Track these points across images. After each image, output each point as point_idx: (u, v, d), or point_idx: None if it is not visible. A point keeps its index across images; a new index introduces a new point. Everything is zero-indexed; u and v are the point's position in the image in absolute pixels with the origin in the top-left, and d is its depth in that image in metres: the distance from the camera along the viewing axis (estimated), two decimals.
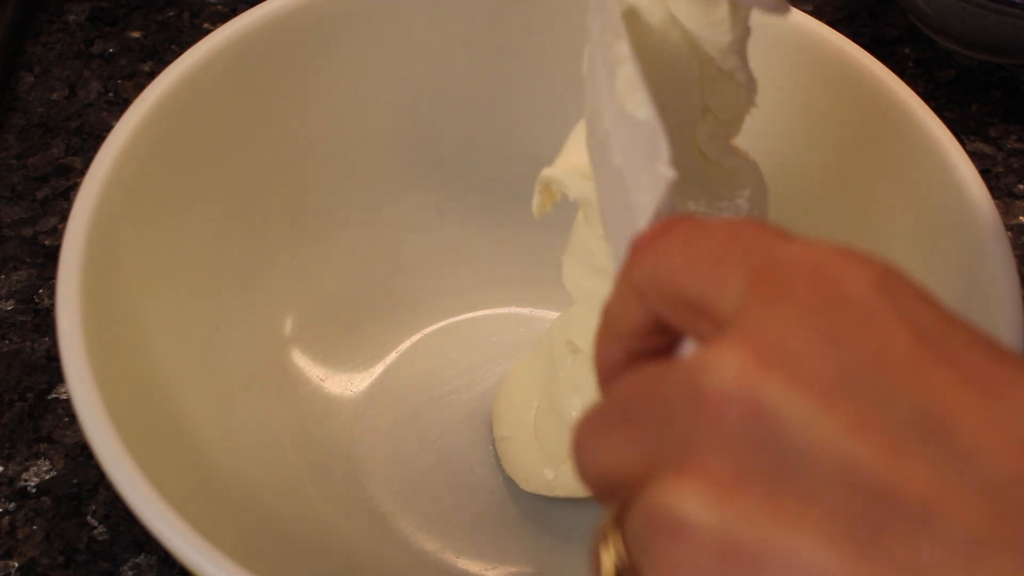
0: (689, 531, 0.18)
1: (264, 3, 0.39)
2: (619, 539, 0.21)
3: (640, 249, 0.23)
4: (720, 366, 0.19)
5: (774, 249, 0.21)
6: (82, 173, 0.33)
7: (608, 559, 0.21)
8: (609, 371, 0.23)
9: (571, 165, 0.35)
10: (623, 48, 0.26)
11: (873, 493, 0.18)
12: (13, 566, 0.37)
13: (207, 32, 0.38)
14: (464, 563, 0.38)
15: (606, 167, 0.27)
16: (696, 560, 0.18)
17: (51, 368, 0.42)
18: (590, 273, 0.35)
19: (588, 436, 0.22)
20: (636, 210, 0.24)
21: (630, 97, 0.25)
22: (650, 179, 0.24)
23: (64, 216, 0.46)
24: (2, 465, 0.40)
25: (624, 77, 0.26)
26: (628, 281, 0.23)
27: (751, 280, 0.20)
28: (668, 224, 0.23)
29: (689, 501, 0.19)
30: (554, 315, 0.43)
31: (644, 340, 0.22)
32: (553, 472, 0.39)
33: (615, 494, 0.21)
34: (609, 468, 0.21)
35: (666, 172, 0.23)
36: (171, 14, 0.55)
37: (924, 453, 0.18)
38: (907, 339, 0.19)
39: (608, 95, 0.26)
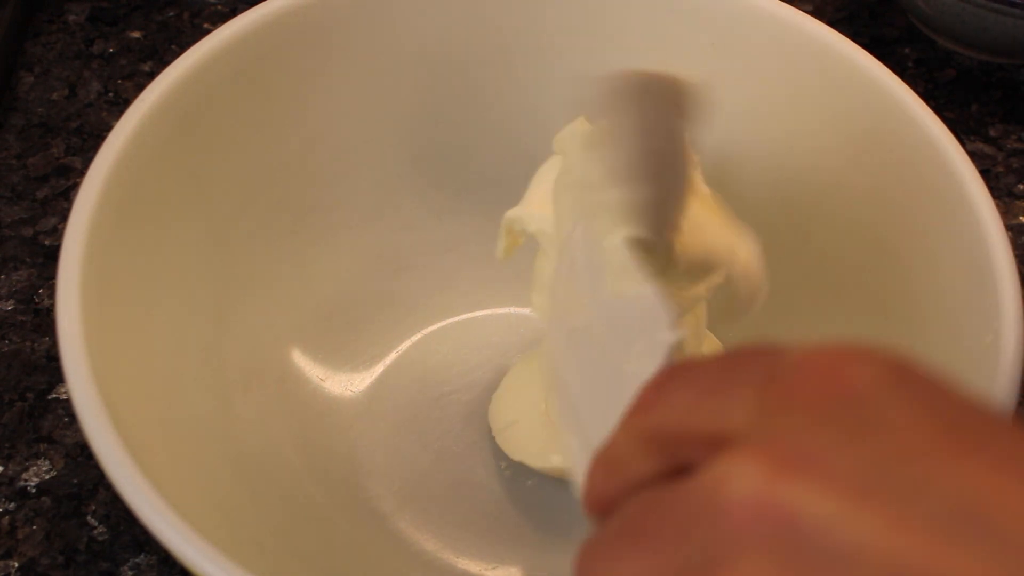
0: None
1: (264, 3, 0.39)
2: None
3: (646, 401, 0.22)
4: (740, 476, 0.18)
5: (776, 361, 0.20)
6: (82, 173, 0.33)
7: None
8: (604, 504, 0.23)
9: (535, 205, 0.36)
10: (614, 240, 0.27)
11: None
12: (13, 566, 0.37)
13: (207, 32, 0.38)
14: (464, 563, 0.38)
15: (585, 359, 0.28)
16: None
17: (51, 368, 0.42)
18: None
19: (593, 563, 0.21)
20: (630, 379, 0.24)
21: (625, 280, 0.26)
22: (649, 345, 0.24)
23: (64, 216, 0.46)
24: (2, 465, 0.40)
25: (616, 264, 0.27)
26: (634, 432, 0.22)
27: (758, 396, 0.20)
28: (669, 372, 0.23)
29: None
30: None
31: (649, 482, 0.22)
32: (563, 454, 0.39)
33: None
34: None
35: (670, 336, 0.24)
36: (171, 14, 0.55)
37: (970, 543, 0.17)
38: (930, 430, 0.18)
39: (591, 289, 0.27)
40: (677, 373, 0.22)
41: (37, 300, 0.44)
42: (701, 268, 0.33)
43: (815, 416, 0.19)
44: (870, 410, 0.19)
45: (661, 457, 0.21)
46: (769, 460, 0.18)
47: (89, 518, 0.38)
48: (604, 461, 0.23)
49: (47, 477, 0.39)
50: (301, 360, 0.42)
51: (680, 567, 0.19)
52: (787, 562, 0.17)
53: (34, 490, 0.39)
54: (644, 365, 0.24)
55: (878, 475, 0.18)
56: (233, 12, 0.53)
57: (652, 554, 0.20)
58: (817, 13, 0.57)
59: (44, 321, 0.44)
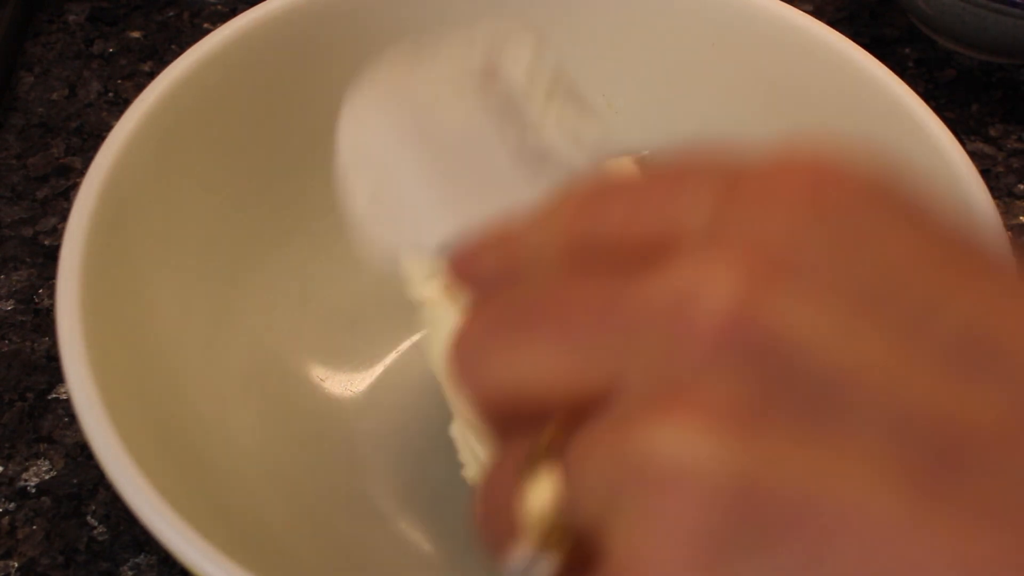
0: (697, 481, 0.14)
1: (264, 3, 0.39)
2: (557, 483, 0.16)
3: (573, 206, 0.17)
4: (713, 281, 0.15)
5: (743, 163, 0.16)
6: (82, 173, 0.33)
7: (538, 511, 0.16)
8: (481, 274, 0.18)
9: None
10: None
11: (932, 424, 0.14)
12: (13, 566, 0.37)
13: (207, 32, 0.38)
14: (464, 564, 0.38)
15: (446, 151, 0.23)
16: (708, 519, 0.14)
17: (51, 368, 0.42)
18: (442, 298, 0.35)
19: (489, 336, 0.17)
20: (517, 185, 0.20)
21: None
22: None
23: (64, 216, 0.46)
24: (2, 465, 0.40)
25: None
26: (554, 228, 0.17)
27: (724, 192, 0.16)
28: (600, 184, 0.18)
29: (694, 441, 0.14)
30: None
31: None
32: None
33: (523, 418, 0.16)
34: (524, 379, 0.16)
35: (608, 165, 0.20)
36: (171, 14, 0.55)
37: (982, 375, 0.14)
38: (933, 246, 0.15)
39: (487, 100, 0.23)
40: (613, 184, 0.18)
41: (37, 300, 0.44)
42: None
43: (801, 215, 0.15)
44: (866, 217, 0.15)
45: (584, 266, 0.17)
46: (749, 263, 0.15)
47: (89, 518, 0.38)
48: (502, 236, 0.18)
49: (47, 477, 0.39)
50: (301, 360, 0.42)
51: (617, 368, 0.15)
52: (768, 389, 0.14)
53: (34, 490, 0.39)
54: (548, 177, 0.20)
55: (877, 291, 0.15)
56: (233, 12, 0.53)
57: (575, 343, 0.16)
58: (817, 13, 0.57)
59: (44, 321, 0.44)
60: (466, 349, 0.17)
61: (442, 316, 0.35)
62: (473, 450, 0.36)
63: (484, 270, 0.18)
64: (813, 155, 0.16)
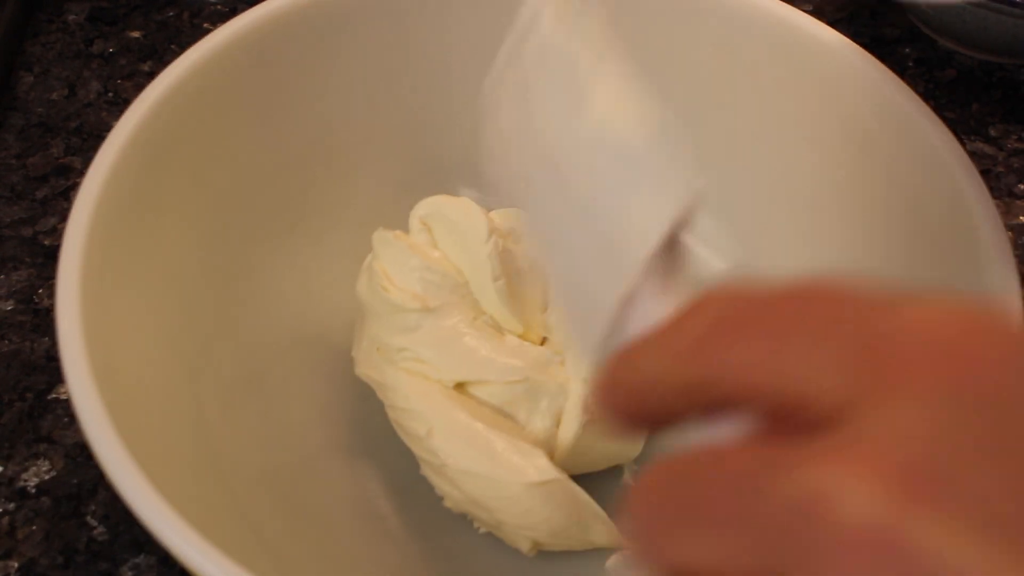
0: None
1: (264, 3, 0.39)
2: None
3: (696, 340, 0.18)
4: (856, 493, 0.15)
5: (873, 317, 0.16)
6: (82, 173, 0.33)
7: None
8: (629, 420, 0.19)
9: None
10: (598, 58, 0.22)
11: None
12: (13, 566, 0.37)
13: (207, 32, 0.38)
14: (465, 565, 0.38)
15: (559, 206, 0.23)
16: None
17: (51, 368, 0.42)
18: (378, 362, 0.37)
19: (663, 534, 0.17)
20: (632, 242, 0.20)
21: (621, 113, 0.21)
22: (660, 192, 0.20)
23: (64, 216, 0.46)
24: (1, 465, 0.40)
25: (610, 90, 0.22)
26: (680, 374, 0.18)
27: (857, 362, 0.16)
28: (725, 304, 0.18)
29: None
30: None
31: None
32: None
33: None
34: (691, 566, 0.17)
35: (690, 182, 0.20)
36: (171, 14, 0.55)
37: None
38: None
39: (569, 117, 0.22)
40: (737, 309, 0.18)
41: (37, 300, 0.44)
42: None
43: (941, 412, 0.15)
44: (1008, 408, 0.15)
45: (711, 407, 0.18)
46: (887, 475, 0.15)
47: (89, 518, 0.38)
48: (634, 389, 0.19)
49: (47, 477, 0.39)
50: (300, 360, 0.42)
51: (767, 570, 0.16)
52: None
53: (34, 490, 0.39)
54: (649, 217, 0.20)
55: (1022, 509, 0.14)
56: (233, 12, 0.53)
57: (734, 545, 0.16)
58: (817, 13, 0.57)
59: (44, 321, 0.43)
60: (649, 520, 0.18)
61: (392, 384, 0.37)
62: (441, 488, 0.37)
63: (628, 409, 0.19)
64: (951, 323, 0.16)
